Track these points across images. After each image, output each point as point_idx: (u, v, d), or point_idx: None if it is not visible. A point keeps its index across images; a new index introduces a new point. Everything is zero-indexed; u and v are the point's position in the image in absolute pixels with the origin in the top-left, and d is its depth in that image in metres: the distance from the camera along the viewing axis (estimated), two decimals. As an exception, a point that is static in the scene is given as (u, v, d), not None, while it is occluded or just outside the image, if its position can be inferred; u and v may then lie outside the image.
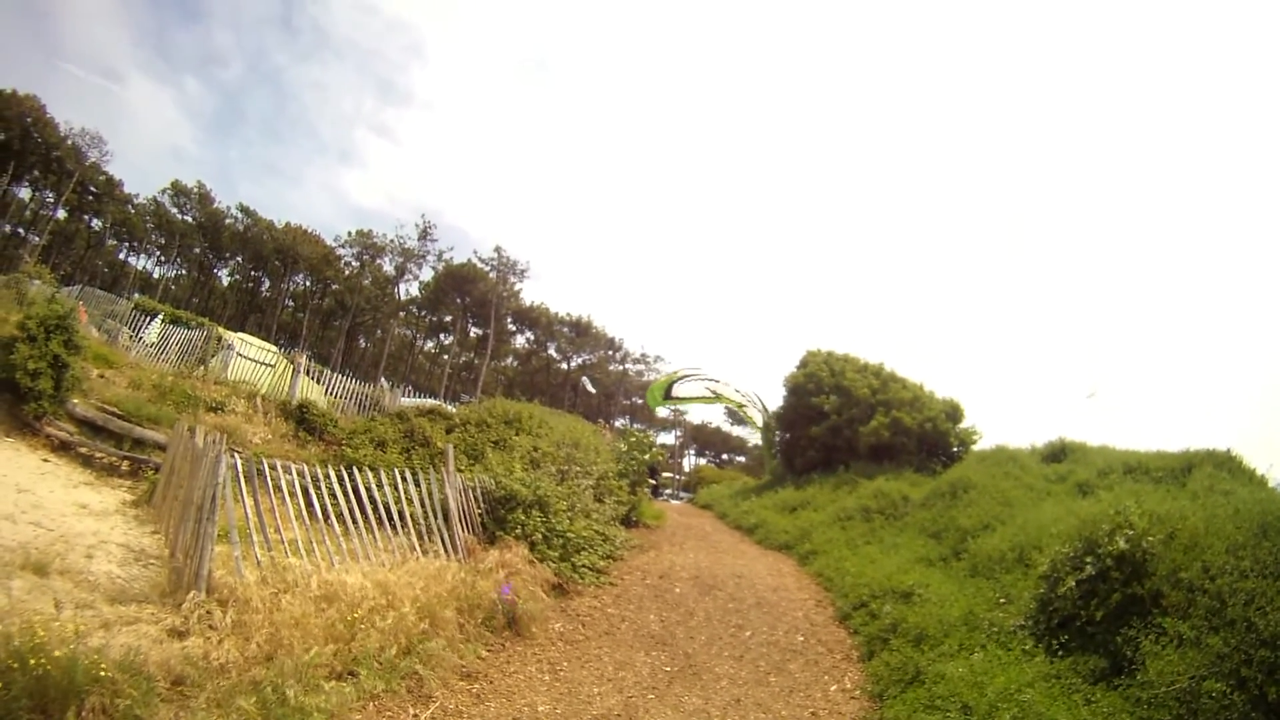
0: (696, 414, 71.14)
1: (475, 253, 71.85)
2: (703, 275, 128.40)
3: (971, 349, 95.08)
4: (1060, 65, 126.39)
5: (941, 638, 7.06)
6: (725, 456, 71.38)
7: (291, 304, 68.90)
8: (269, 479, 7.45)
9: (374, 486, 8.49)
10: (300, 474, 7.92)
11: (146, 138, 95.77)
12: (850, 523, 14.87)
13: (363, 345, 71.08)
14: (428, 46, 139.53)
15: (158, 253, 63.94)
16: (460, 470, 10.93)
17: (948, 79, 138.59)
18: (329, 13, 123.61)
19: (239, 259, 65.25)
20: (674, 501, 29.03)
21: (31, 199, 56.90)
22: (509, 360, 73.39)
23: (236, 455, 7.24)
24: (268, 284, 68.77)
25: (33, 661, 4.24)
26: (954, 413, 20.27)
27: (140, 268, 64.24)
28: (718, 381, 12.38)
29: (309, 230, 64.66)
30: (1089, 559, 6.59)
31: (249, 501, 7.02)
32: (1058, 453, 14.71)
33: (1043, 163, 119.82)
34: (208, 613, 5.88)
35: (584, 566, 10.27)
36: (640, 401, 67.79)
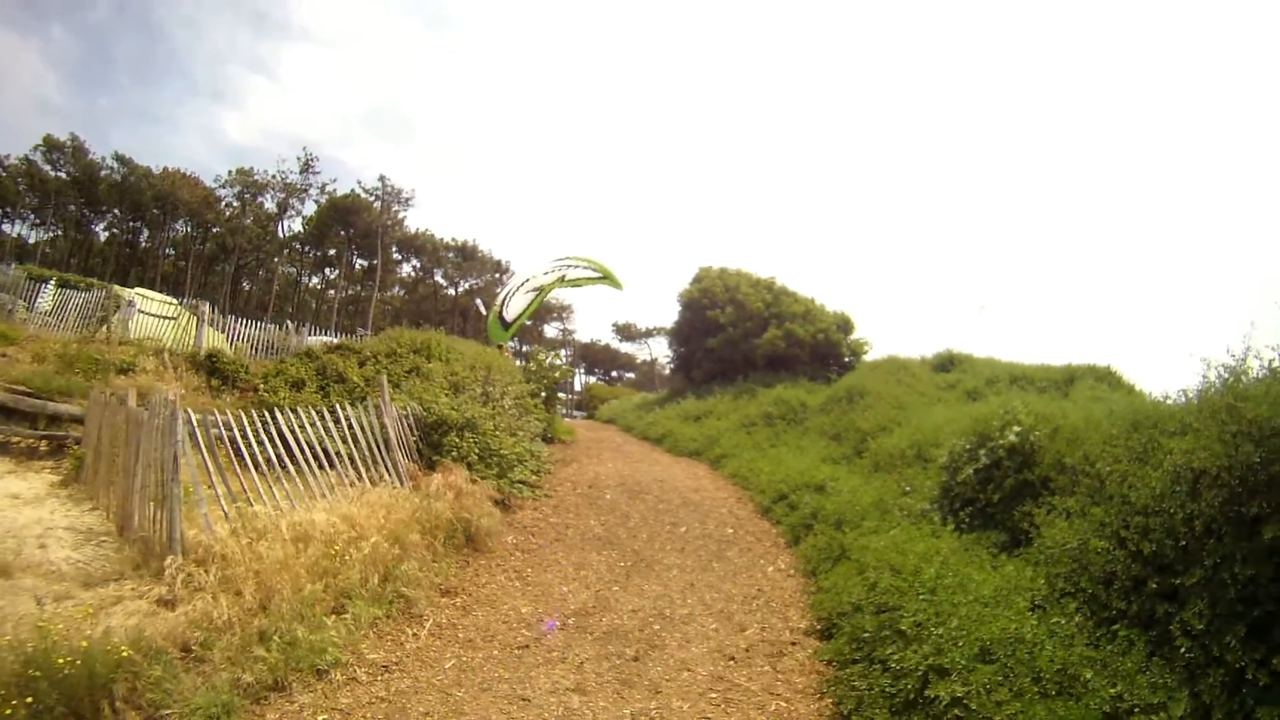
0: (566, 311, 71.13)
1: (359, 183, 68.66)
2: (590, 192, 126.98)
3: (863, 263, 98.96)
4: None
5: (859, 520, 8.02)
6: (615, 374, 72.55)
7: (172, 253, 64.64)
8: (214, 433, 7.43)
9: (316, 424, 8.53)
10: (239, 421, 7.84)
11: (10, 93, 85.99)
12: (754, 429, 15.98)
13: (247, 288, 67.37)
14: None
15: (31, 215, 58.14)
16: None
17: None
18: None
19: (116, 211, 60.22)
20: (573, 418, 29.83)
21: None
22: (395, 290, 71.40)
23: (189, 413, 7.10)
24: (146, 234, 63.96)
25: (61, 661, 4.26)
26: (845, 324, 21.67)
27: (15, 234, 58.45)
28: (530, 278, 12.74)
29: (188, 174, 60.56)
30: (983, 451, 7.60)
31: (206, 457, 6.96)
32: (946, 363, 16.19)
33: (937, 73, 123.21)
34: (189, 575, 5.89)
35: (519, 482, 10.76)
36: (530, 323, 67.73)
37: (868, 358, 20.60)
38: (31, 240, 60.07)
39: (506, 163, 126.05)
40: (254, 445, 7.63)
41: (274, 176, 63.00)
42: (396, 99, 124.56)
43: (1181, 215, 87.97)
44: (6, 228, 59.27)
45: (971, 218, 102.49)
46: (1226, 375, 5.39)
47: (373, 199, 62.84)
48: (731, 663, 5.53)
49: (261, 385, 13.67)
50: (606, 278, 12.30)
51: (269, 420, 8.03)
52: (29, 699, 4.05)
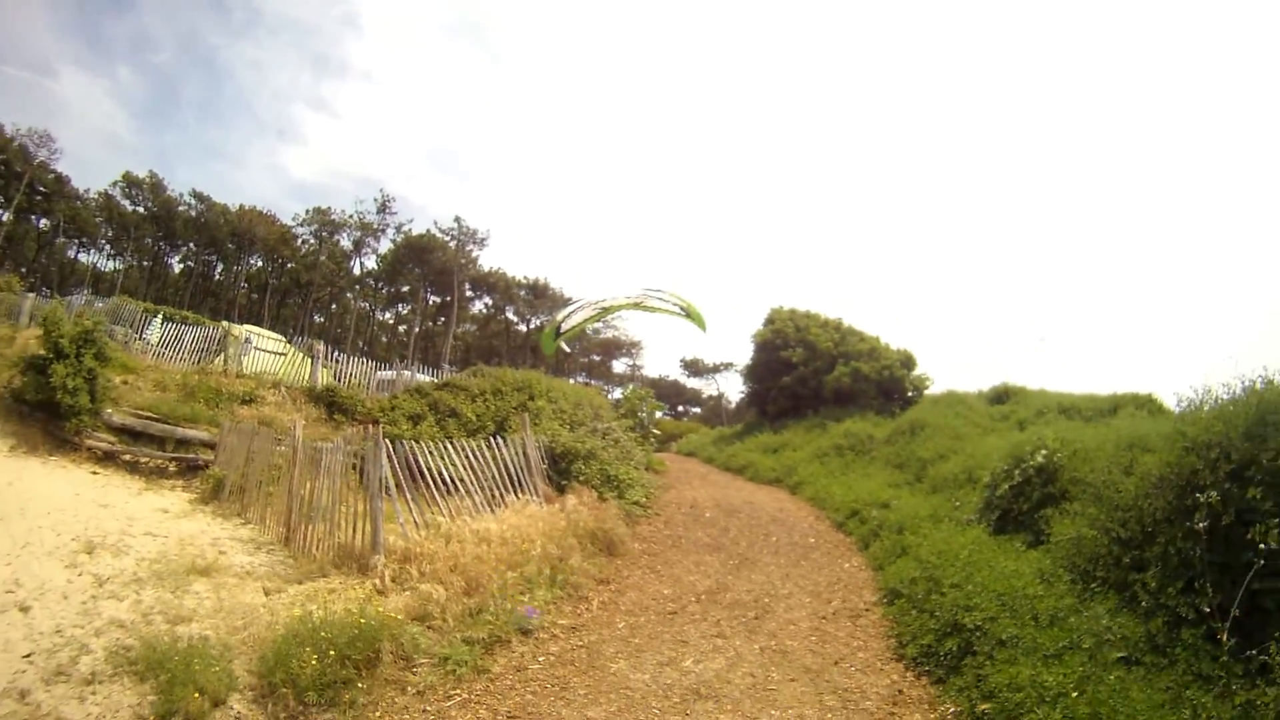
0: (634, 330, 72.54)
1: (435, 223, 72.56)
2: (660, 234, 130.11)
3: (927, 300, 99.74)
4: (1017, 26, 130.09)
5: (916, 527, 10.05)
6: (681, 409, 74.52)
7: (246, 285, 68.86)
8: (399, 458, 9.09)
9: (474, 453, 10.59)
10: (415, 451, 9.45)
11: (83, 130, 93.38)
12: (826, 459, 18.00)
13: (320, 320, 71.54)
14: (363, 16, 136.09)
15: (107, 246, 62.59)
16: (511, 430, 13.39)
17: (893, 33, 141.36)
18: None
19: (191, 245, 64.61)
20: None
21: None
22: (468, 326, 74.75)
23: (390, 445, 8.96)
24: (221, 268, 68.58)
25: (361, 619, 5.85)
26: (908, 361, 23.57)
27: (89, 263, 63.09)
28: (602, 300, 13.01)
29: (264, 211, 64.74)
30: (1017, 471, 9.58)
31: (397, 479, 8.85)
32: (1002, 395, 18.04)
33: (996, 115, 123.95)
34: (399, 570, 7.52)
35: (635, 503, 13.04)
36: (600, 358, 70.31)
37: (929, 392, 22.42)
38: (105, 269, 63.90)
39: (575, 201, 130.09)
40: (431, 471, 9.61)
41: (351, 216, 66.88)
42: (459, 135, 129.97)
43: (1221, 242, 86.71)
44: (84, 257, 63.22)
45: (1032, 252, 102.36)
46: (1186, 405, 7.40)
47: (448, 239, 65.75)
48: (823, 620, 7.70)
49: (383, 418, 14.87)
50: (691, 316, 12.14)
51: (443, 450, 10.08)
52: (314, 658, 5.39)
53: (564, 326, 12.46)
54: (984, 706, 5.20)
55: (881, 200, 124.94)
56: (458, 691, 5.76)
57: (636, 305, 12.24)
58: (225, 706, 5.02)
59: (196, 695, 4.86)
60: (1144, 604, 6.06)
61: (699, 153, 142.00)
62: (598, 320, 13.58)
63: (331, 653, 5.52)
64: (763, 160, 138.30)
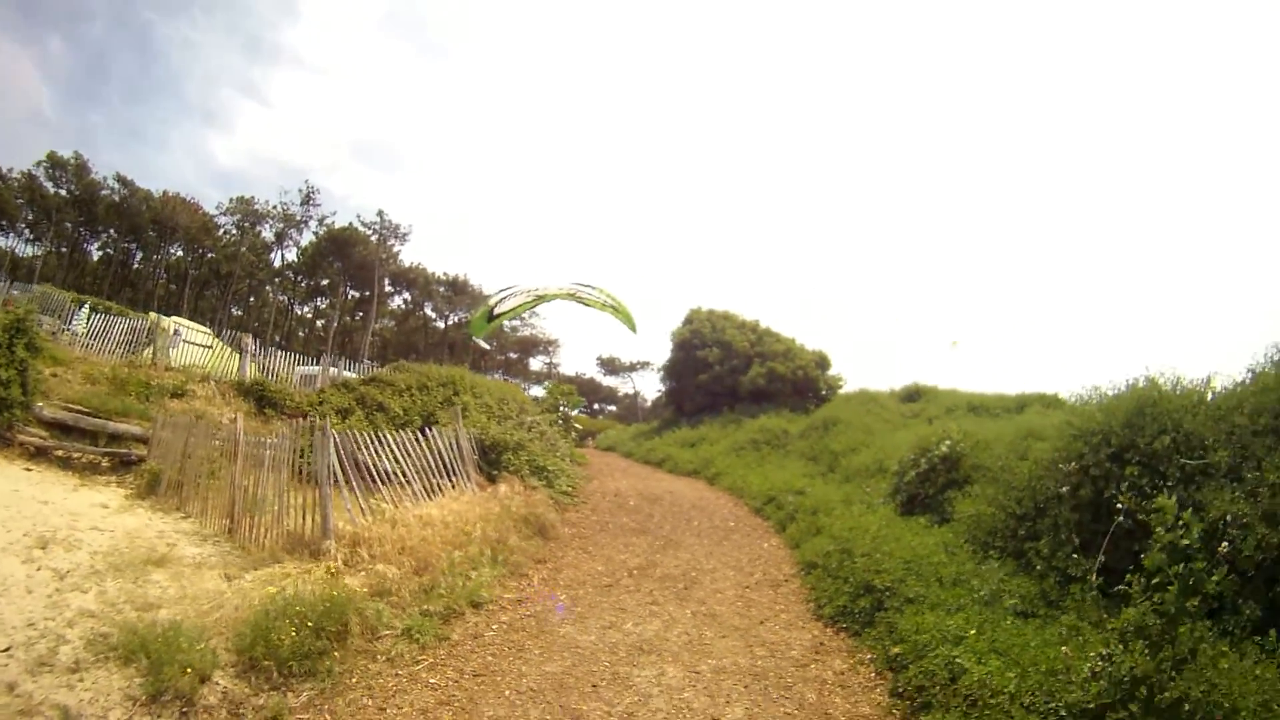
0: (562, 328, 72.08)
1: (359, 216, 70.70)
2: (577, 229, 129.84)
3: (840, 303, 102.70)
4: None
5: (829, 510, 10.74)
6: (597, 406, 74.97)
7: (165, 275, 65.71)
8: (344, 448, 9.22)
9: (409, 444, 10.63)
10: (353, 439, 9.55)
11: (6, 104, 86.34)
12: (743, 452, 18.75)
13: (238, 313, 68.94)
14: (303, 2, 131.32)
15: (26, 230, 58.44)
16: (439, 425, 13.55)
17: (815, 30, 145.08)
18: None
19: (112, 231, 60.99)
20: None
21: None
22: (386, 321, 73.41)
23: (336, 435, 9.09)
24: (140, 256, 65.35)
25: (326, 598, 6.12)
26: (822, 362, 24.66)
27: (7, 247, 58.72)
28: (539, 287, 12.40)
29: (188, 199, 61.59)
30: (923, 459, 10.39)
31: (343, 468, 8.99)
32: (913, 394, 19.18)
33: (909, 114, 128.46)
34: (351, 553, 7.73)
35: (563, 491, 13.40)
36: (517, 356, 70.13)
37: (843, 391, 23.53)
38: (22, 254, 59.69)
39: (495, 199, 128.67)
40: (370, 460, 9.69)
41: (275, 207, 64.79)
42: (386, 129, 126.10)
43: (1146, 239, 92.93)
44: (0, 240, 59.02)
45: (947, 257, 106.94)
46: (1077, 400, 8.28)
47: (370, 232, 64.43)
48: (747, 589, 8.27)
49: (312, 412, 14.33)
50: (620, 314, 12.32)
51: (383, 440, 10.13)
52: (293, 630, 5.67)
53: (497, 310, 12.46)
54: (895, 650, 5.83)
55: (803, 204, 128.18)
56: (424, 657, 6.10)
57: (571, 296, 12.40)
58: (211, 682, 5.19)
59: (186, 672, 5.03)
60: (1038, 567, 6.83)
61: (622, 151, 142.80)
62: (532, 306, 13.72)
63: (308, 624, 5.77)
64: (685, 160, 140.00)
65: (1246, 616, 4.68)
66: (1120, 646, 4.00)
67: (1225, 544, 4.30)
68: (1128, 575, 4.11)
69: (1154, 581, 3.85)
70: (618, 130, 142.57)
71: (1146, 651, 3.79)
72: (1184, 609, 3.69)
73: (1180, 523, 3.85)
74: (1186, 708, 3.65)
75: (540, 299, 12.82)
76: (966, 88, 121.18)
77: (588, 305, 12.66)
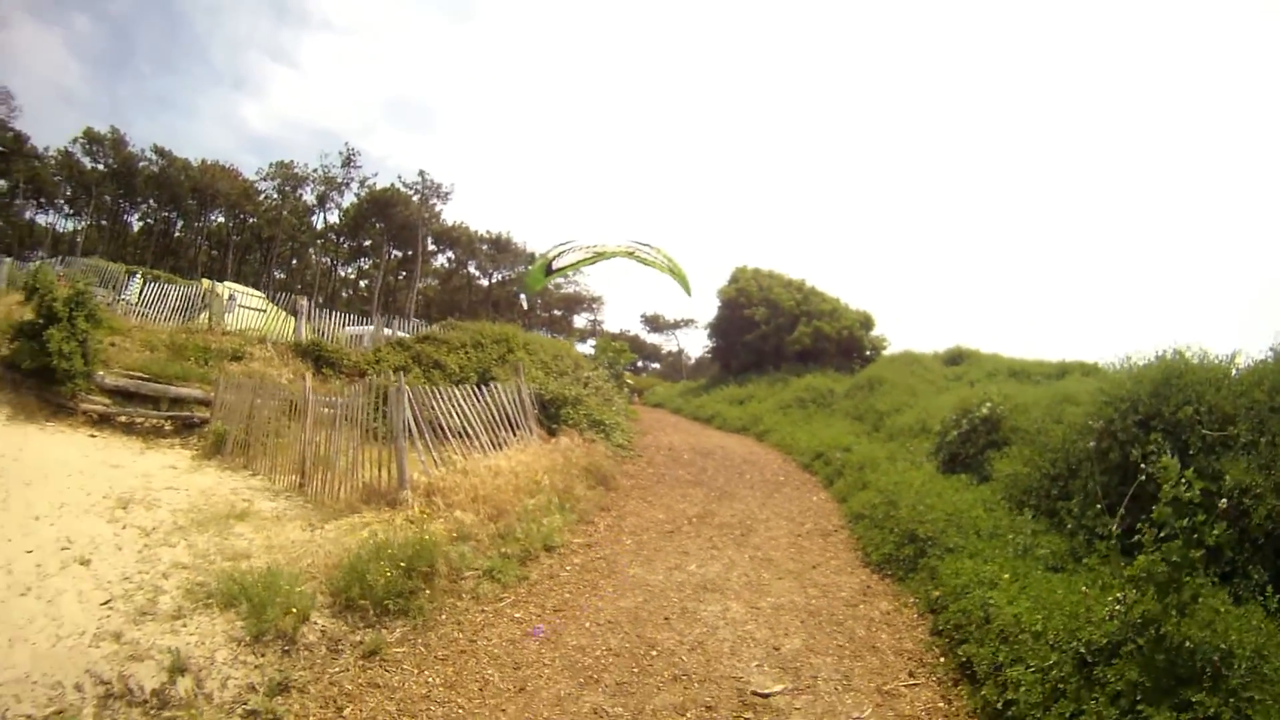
0: (603, 286, 72.41)
1: (400, 177, 71.39)
2: (618, 187, 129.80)
3: (889, 264, 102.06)
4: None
5: (875, 466, 11.41)
6: (640, 363, 75.68)
7: (206, 242, 67.25)
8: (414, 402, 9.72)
9: (477, 399, 11.26)
10: (425, 396, 10.10)
11: (35, 84, 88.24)
12: (789, 410, 19.39)
13: (279, 276, 70.37)
14: None
15: (65, 206, 60.21)
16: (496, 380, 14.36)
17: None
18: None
19: (151, 202, 62.64)
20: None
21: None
22: (430, 280, 74.46)
23: (410, 391, 9.70)
24: (181, 224, 66.71)
25: (413, 541, 6.73)
26: (867, 322, 25.08)
27: (48, 224, 60.30)
28: (595, 244, 12.74)
29: (227, 166, 63.15)
30: (965, 420, 10.95)
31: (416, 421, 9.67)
32: (956, 357, 19.56)
33: (968, 85, 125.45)
34: (425, 502, 8.31)
35: (620, 445, 14.23)
36: (561, 313, 70.92)
37: (887, 352, 23.97)
38: (62, 229, 61.46)
39: (537, 156, 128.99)
40: (440, 414, 10.34)
41: (315, 170, 65.93)
42: (419, 88, 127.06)
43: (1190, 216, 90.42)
44: (41, 218, 60.89)
45: (1000, 221, 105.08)
46: (1110, 369, 8.79)
47: (412, 193, 65.29)
48: (799, 538, 9.04)
49: (370, 370, 14.96)
50: (677, 275, 12.33)
51: (451, 395, 10.76)
52: (388, 570, 6.25)
53: (555, 265, 12.68)
54: (936, 593, 6.55)
55: (853, 167, 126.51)
56: (506, 595, 6.91)
57: (630, 254, 12.57)
58: (310, 622, 5.79)
59: (289, 613, 5.63)
60: (1069, 525, 7.37)
61: (666, 111, 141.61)
62: (591, 263, 13.49)
63: (400, 565, 6.41)
64: (731, 120, 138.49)
65: (1255, 581, 5.28)
66: (1133, 591, 4.64)
67: (1224, 500, 4.84)
68: (1138, 524, 4.72)
69: (1162, 534, 4.48)
70: (662, 85, 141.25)
71: (1155, 596, 4.43)
72: (1187, 559, 4.33)
73: (1183, 480, 4.45)
74: (1188, 645, 4.29)
75: (600, 256, 12.84)
76: (1029, 53, 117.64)
77: (646, 265, 12.79)
